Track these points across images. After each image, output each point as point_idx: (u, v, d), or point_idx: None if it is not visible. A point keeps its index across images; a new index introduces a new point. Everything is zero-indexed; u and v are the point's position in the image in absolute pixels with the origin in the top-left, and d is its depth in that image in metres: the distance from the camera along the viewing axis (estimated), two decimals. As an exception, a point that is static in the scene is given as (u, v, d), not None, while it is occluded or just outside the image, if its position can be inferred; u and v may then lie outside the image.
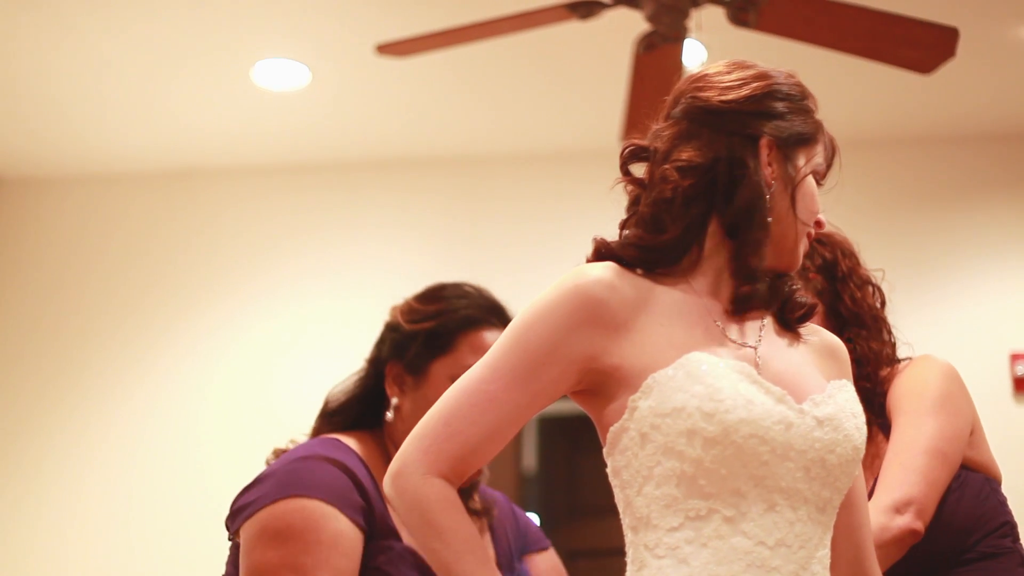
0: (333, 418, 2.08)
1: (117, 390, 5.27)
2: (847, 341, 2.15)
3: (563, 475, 5.79)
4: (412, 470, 1.45)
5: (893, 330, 2.23)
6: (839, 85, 4.71)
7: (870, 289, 2.23)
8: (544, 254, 5.09)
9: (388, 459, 1.96)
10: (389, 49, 3.63)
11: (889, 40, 3.41)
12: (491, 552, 2.09)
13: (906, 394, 2.08)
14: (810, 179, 1.59)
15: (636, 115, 3.53)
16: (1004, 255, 5.09)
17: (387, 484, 1.48)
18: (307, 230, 5.41)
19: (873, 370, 2.14)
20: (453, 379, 1.92)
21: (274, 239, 5.41)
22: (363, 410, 2.08)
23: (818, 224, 1.61)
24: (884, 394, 2.13)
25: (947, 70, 3.67)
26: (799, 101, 1.59)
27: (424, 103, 4.94)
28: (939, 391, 2.07)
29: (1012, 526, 2.08)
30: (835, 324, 2.19)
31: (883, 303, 2.24)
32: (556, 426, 5.65)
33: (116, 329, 5.34)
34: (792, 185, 1.56)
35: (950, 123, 5.11)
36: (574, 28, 3.76)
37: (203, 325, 5.33)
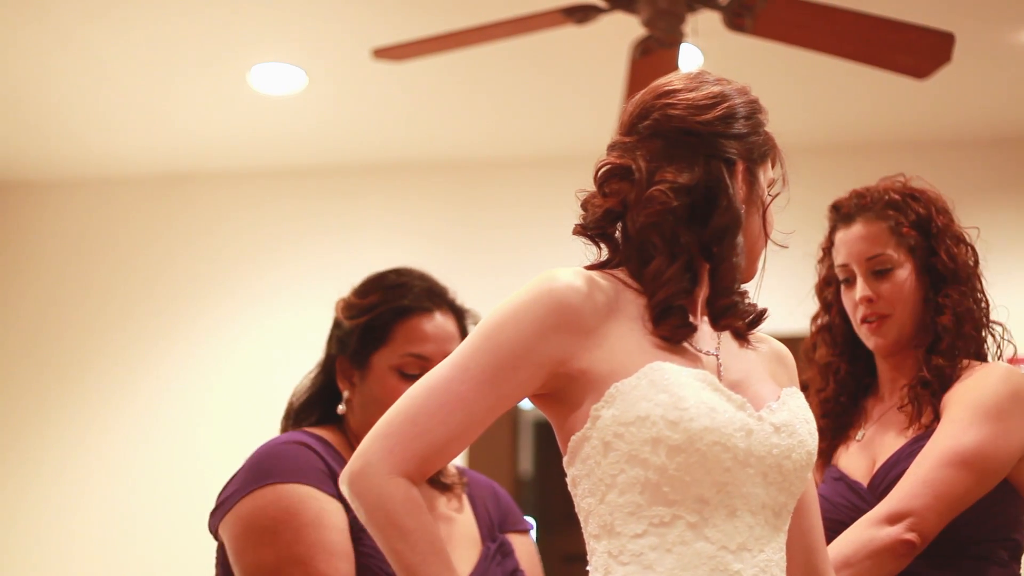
0: (296, 418, 2.12)
1: (118, 392, 5.28)
2: (945, 297, 2.11)
3: (560, 479, 5.77)
4: (376, 470, 1.43)
5: (986, 291, 2.19)
6: (836, 90, 4.72)
7: (964, 247, 2.19)
8: (540, 258, 5.07)
9: (352, 449, 1.98)
10: (386, 53, 3.63)
11: (885, 45, 3.41)
12: (471, 518, 2.11)
13: (957, 401, 2.02)
14: (763, 190, 1.60)
15: (632, 120, 3.52)
16: (1001, 259, 5.07)
17: (347, 483, 1.45)
18: (304, 234, 5.41)
19: (967, 322, 2.10)
20: (394, 369, 2.02)
21: (271, 242, 5.42)
22: (322, 406, 2.11)
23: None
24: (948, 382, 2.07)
25: (944, 75, 3.67)
26: (756, 117, 1.59)
27: (421, 107, 4.94)
28: (996, 405, 1.98)
29: (1018, 544, 2.04)
30: (928, 281, 2.15)
31: (976, 262, 2.20)
32: (553, 431, 5.65)
33: (117, 331, 5.35)
34: (762, 206, 1.59)
35: (947, 127, 5.11)
36: (570, 33, 3.76)
37: (202, 327, 5.34)
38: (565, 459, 1.51)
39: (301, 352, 5.14)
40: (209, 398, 5.22)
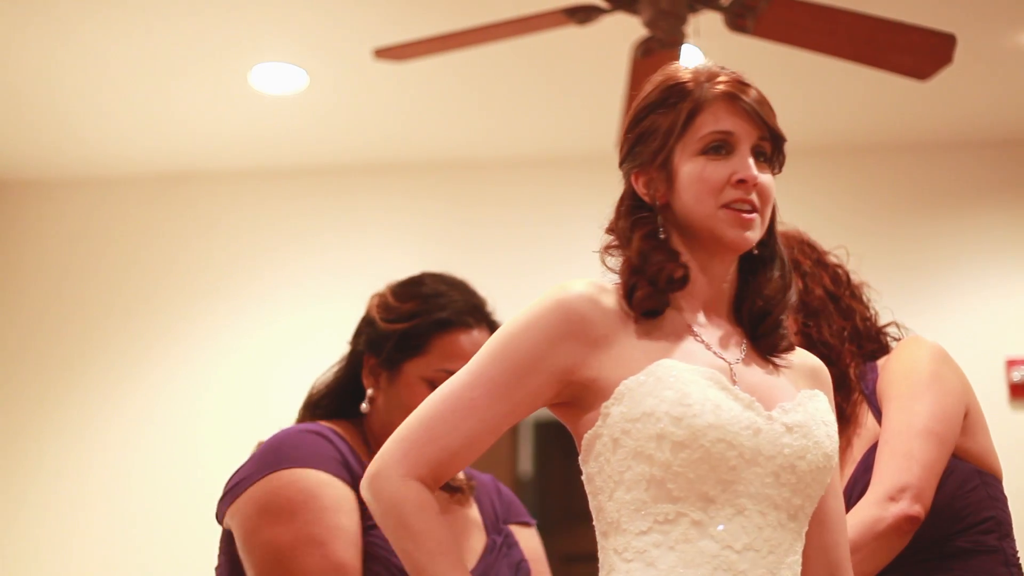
0: (316, 409, 2.08)
1: (117, 392, 5.27)
2: (804, 327, 2.13)
3: (559, 480, 5.78)
4: (391, 472, 1.48)
5: (869, 304, 2.21)
6: (837, 91, 4.72)
7: (818, 276, 2.18)
8: (541, 259, 5.09)
9: (367, 447, 1.98)
10: (387, 53, 3.63)
11: (886, 46, 3.41)
12: (476, 514, 2.11)
13: (895, 379, 2.06)
14: (694, 162, 1.54)
15: (633, 120, 3.52)
16: (1000, 261, 5.09)
17: (364, 486, 1.50)
18: (304, 233, 5.41)
19: (835, 352, 2.11)
20: (425, 380, 1.97)
21: (271, 242, 5.41)
22: (344, 400, 2.06)
23: (741, 183, 1.53)
24: (875, 379, 2.10)
25: (944, 76, 3.67)
26: (661, 105, 1.58)
27: (422, 107, 4.94)
28: (928, 371, 2.04)
29: (999, 522, 2.03)
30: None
31: (842, 281, 2.19)
32: (552, 431, 5.64)
33: (116, 331, 5.34)
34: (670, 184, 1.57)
35: (947, 129, 5.11)
36: (572, 33, 3.76)
37: (202, 326, 5.33)
38: (580, 457, 1.53)
39: (301, 350, 5.18)
40: (209, 396, 5.22)
